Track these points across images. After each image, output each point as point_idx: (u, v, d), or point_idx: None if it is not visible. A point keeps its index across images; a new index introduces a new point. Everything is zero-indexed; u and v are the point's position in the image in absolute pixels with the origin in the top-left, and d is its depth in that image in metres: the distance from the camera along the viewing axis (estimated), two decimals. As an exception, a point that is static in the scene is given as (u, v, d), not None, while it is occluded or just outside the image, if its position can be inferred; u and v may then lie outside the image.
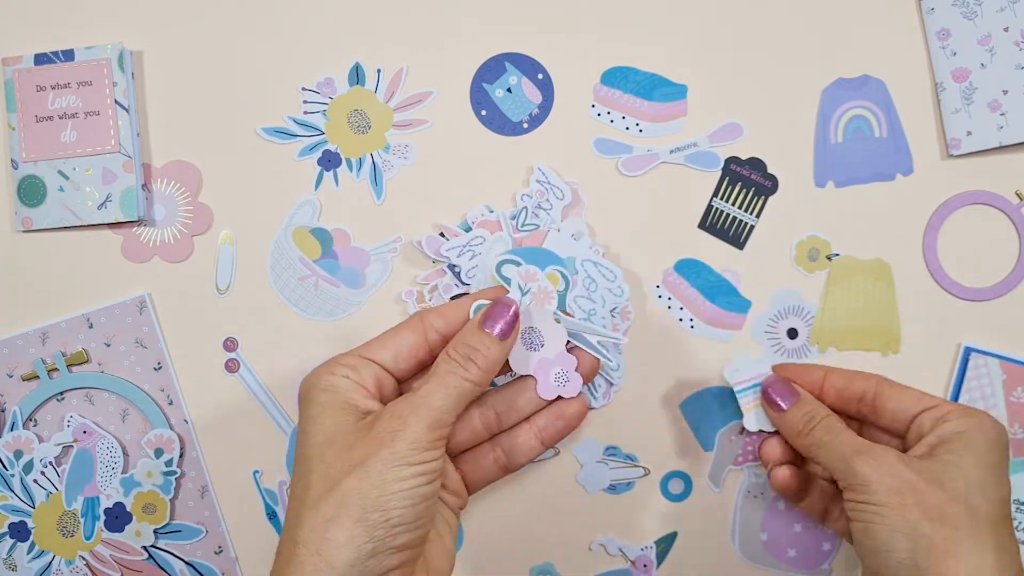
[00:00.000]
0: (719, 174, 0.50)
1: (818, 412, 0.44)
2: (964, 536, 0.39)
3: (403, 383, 0.44)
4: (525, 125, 0.51)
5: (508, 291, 0.44)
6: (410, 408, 0.39)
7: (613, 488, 0.50)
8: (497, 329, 0.41)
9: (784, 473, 0.46)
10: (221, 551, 0.51)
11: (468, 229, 0.50)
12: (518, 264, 0.45)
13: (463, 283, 0.49)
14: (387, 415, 0.39)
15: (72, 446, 0.50)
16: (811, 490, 0.46)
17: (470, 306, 0.43)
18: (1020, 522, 0.49)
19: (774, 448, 0.46)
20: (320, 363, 0.42)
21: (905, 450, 0.43)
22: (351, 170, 0.50)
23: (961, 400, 0.49)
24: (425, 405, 0.39)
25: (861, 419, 0.46)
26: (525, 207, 0.49)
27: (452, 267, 0.49)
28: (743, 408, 0.47)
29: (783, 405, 0.45)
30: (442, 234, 0.50)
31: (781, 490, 0.46)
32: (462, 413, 0.42)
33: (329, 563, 0.36)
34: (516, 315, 0.42)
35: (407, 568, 0.39)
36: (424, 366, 0.43)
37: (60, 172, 0.49)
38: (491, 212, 0.50)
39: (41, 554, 0.50)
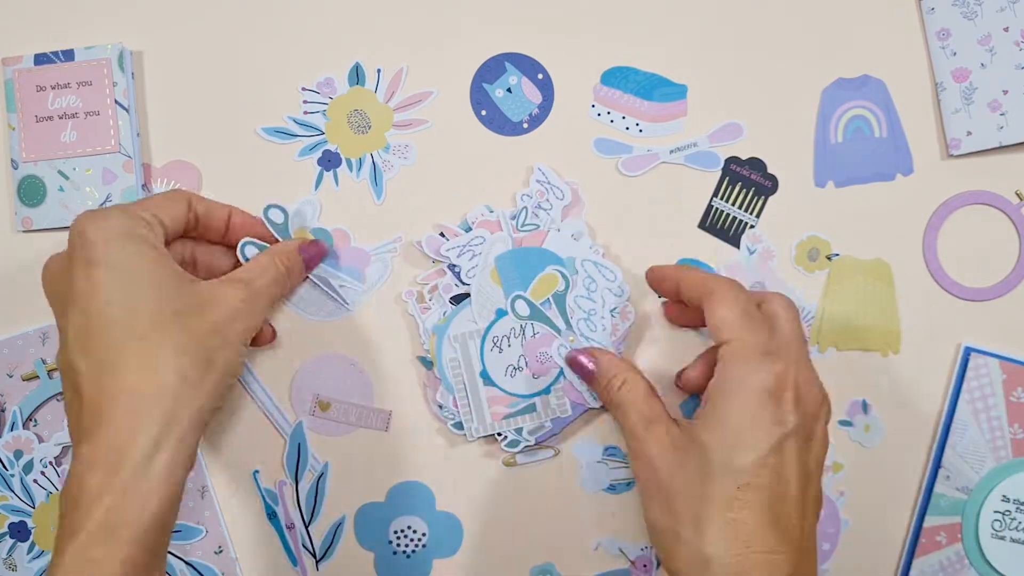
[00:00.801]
0: (719, 174, 0.50)
1: (615, 381, 0.45)
2: (684, 533, 0.39)
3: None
4: (525, 125, 0.51)
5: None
6: (255, 295, 0.43)
7: (613, 488, 0.50)
8: (307, 257, 0.48)
9: (688, 373, 0.48)
10: (221, 551, 0.51)
11: (468, 229, 0.49)
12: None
13: (463, 283, 0.49)
14: (235, 292, 0.42)
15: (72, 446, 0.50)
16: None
17: (228, 212, 0.47)
18: (1021, 522, 0.49)
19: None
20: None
21: None
22: (351, 170, 0.50)
23: (961, 400, 0.49)
24: (264, 298, 0.44)
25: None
26: (525, 207, 0.49)
27: (452, 267, 0.49)
28: None
29: (586, 373, 0.47)
30: (442, 234, 0.50)
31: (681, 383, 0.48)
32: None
33: (197, 411, 0.39)
34: (324, 252, 0.49)
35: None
36: (173, 240, 0.45)
37: (60, 172, 0.49)
38: (491, 212, 0.49)
39: (41, 554, 0.50)
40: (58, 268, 0.41)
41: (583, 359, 0.46)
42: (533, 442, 0.49)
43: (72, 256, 0.40)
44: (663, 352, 0.50)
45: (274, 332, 0.49)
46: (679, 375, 0.48)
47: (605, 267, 0.48)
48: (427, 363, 0.50)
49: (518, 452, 0.49)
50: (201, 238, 0.47)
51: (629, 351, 0.50)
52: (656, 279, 0.47)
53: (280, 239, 0.49)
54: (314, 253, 0.48)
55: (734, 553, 0.38)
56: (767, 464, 0.39)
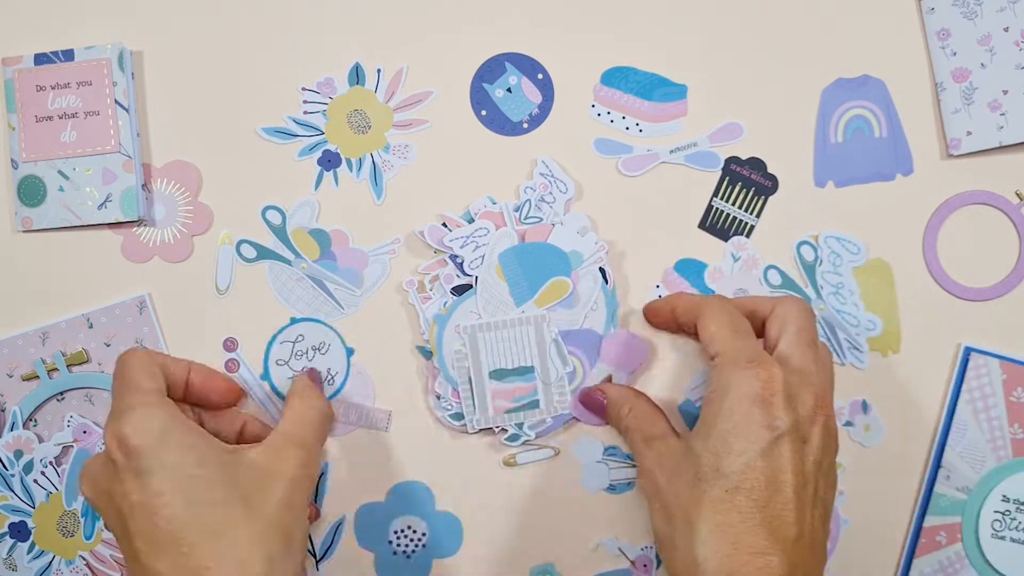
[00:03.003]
0: (719, 174, 0.50)
1: (623, 409, 0.47)
2: (678, 539, 0.41)
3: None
4: (525, 125, 0.51)
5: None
6: (297, 448, 0.43)
7: (613, 488, 0.50)
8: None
9: None
10: (221, 551, 0.51)
11: (471, 220, 0.50)
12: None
13: (465, 274, 0.49)
14: (275, 451, 0.42)
15: (72, 446, 0.50)
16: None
17: (187, 368, 0.46)
18: (1021, 522, 0.49)
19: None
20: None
21: None
22: (351, 170, 0.50)
23: (961, 400, 0.49)
24: (307, 450, 0.44)
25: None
26: (528, 199, 0.49)
27: (454, 258, 0.49)
28: None
29: (599, 410, 0.48)
30: (444, 224, 0.50)
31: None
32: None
33: None
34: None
35: None
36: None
37: (60, 172, 0.49)
38: (494, 204, 0.50)
39: (41, 554, 0.50)
40: (102, 476, 0.41)
41: (596, 395, 0.48)
42: (533, 436, 0.49)
43: (118, 468, 0.39)
44: (663, 352, 0.50)
45: (318, 512, 0.49)
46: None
47: (849, 241, 0.49)
48: (426, 353, 0.50)
49: (518, 447, 0.49)
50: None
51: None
52: (652, 312, 0.49)
53: (279, 240, 0.49)
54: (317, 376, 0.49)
55: (723, 554, 0.39)
56: (755, 467, 0.39)
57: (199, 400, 0.47)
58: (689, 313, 0.46)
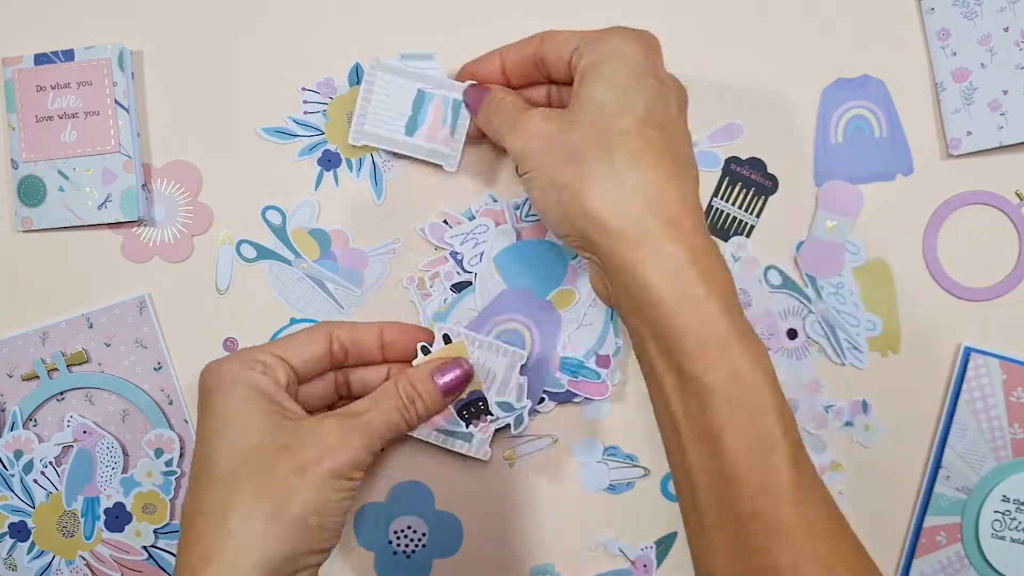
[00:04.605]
0: (719, 174, 0.50)
1: (494, 96, 0.44)
2: (595, 165, 0.38)
3: (301, 384, 0.45)
4: (525, 125, 0.51)
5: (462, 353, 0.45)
6: (355, 429, 0.41)
7: (613, 488, 0.50)
8: (444, 383, 0.44)
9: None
10: (221, 551, 0.51)
11: (472, 218, 0.50)
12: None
13: (465, 271, 0.49)
14: (334, 428, 0.40)
15: (72, 446, 0.50)
16: None
17: (379, 330, 0.45)
18: (1021, 522, 0.49)
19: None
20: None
21: None
22: (351, 170, 0.50)
23: (961, 400, 0.49)
24: (369, 430, 0.41)
25: (551, 81, 0.45)
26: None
27: (454, 254, 0.49)
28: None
29: (476, 107, 0.46)
30: (445, 221, 0.50)
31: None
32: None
33: (266, 557, 0.38)
34: (467, 377, 0.44)
35: (316, 570, 0.41)
36: (321, 373, 0.45)
37: (60, 172, 0.49)
38: (495, 201, 0.50)
39: (41, 554, 0.50)
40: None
41: (477, 91, 0.46)
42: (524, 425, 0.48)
43: (198, 401, 0.42)
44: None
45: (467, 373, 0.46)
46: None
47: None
48: (425, 351, 0.49)
49: (515, 439, 0.49)
50: (359, 364, 0.46)
51: (629, 351, 0.50)
52: (475, 69, 0.46)
53: (279, 240, 0.49)
54: (453, 379, 0.44)
55: (649, 180, 0.38)
56: (657, 109, 0.39)
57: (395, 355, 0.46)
58: (523, 52, 0.44)
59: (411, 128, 0.48)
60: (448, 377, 0.44)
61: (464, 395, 0.46)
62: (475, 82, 0.47)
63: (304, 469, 0.39)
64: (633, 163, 0.38)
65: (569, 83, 0.43)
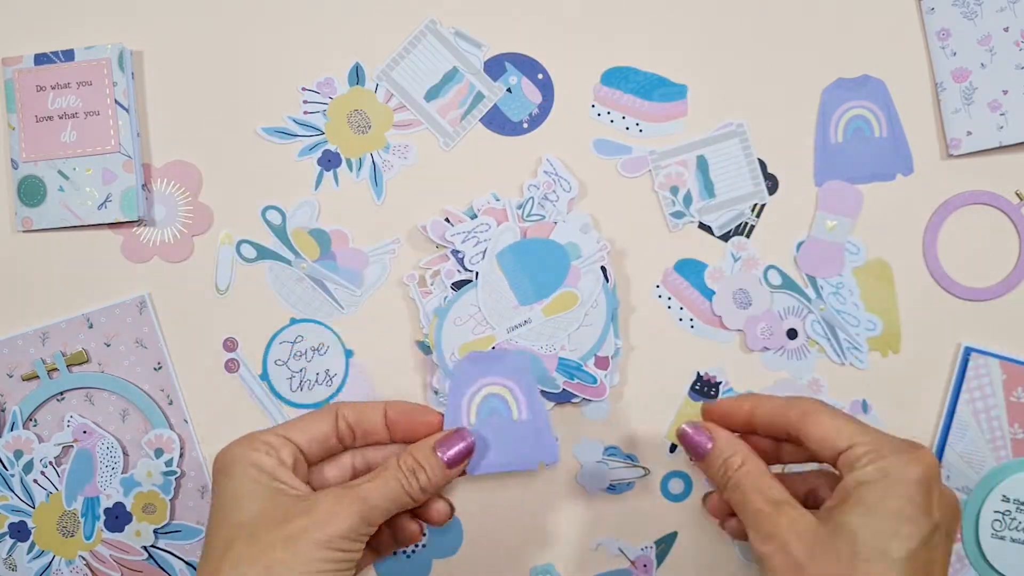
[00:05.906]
0: (719, 174, 0.50)
1: (733, 460, 0.42)
2: None
3: (311, 466, 0.45)
4: (525, 125, 0.51)
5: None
6: (350, 499, 0.41)
7: (613, 488, 0.50)
8: (447, 456, 0.43)
9: (712, 498, 0.47)
10: (221, 551, 0.51)
11: (473, 216, 0.50)
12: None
13: (466, 269, 0.49)
14: (327, 499, 0.41)
15: (72, 446, 0.50)
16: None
17: (383, 409, 0.45)
18: (1021, 522, 0.49)
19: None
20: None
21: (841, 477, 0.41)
22: (351, 170, 0.50)
23: (961, 400, 0.49)
24: (364, 500, 0.41)
25: (797, 443, 0.43)
26: (532, 197, 0.49)
27: (455, 253, 0.49)
28: None
29: (700, 452, 0.44)
30: (447, 219, 0.50)
31: (710, 512, 0.47)
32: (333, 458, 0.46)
33: None
34: (469, 450, 0.44)
35: None
36: (332, 453, 0.45)
37: (60, 172, 0.49)
38: (497, 200, 0.50)
39: (41, 554, 0.50)
40: None
41: (700, 438, 0.44)
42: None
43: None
44: (663, 352, 0.50)
45: (451, 509, 0.46)
46: (706, 498, 0.47)
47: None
48: (425, 348, 0.50)
49: None
50: (367, 444, 0.46)
51: (629, 351, 0.50)
52: (720, 415, 0.44)
53: (279, 240, 0.49)
54: (456, 453, 0.44)
55: None
56: (919, 557, 0.38)
57: (404, 435, 0.46)
58: (779, 416, 0.42)
59: (431, 95, 0.49)
60: (451, 450, 0.44)
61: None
62: (696, 423, 0.44)
63: (293, 539, 0.39)
64: None
65: (825, 460, 0.42)
